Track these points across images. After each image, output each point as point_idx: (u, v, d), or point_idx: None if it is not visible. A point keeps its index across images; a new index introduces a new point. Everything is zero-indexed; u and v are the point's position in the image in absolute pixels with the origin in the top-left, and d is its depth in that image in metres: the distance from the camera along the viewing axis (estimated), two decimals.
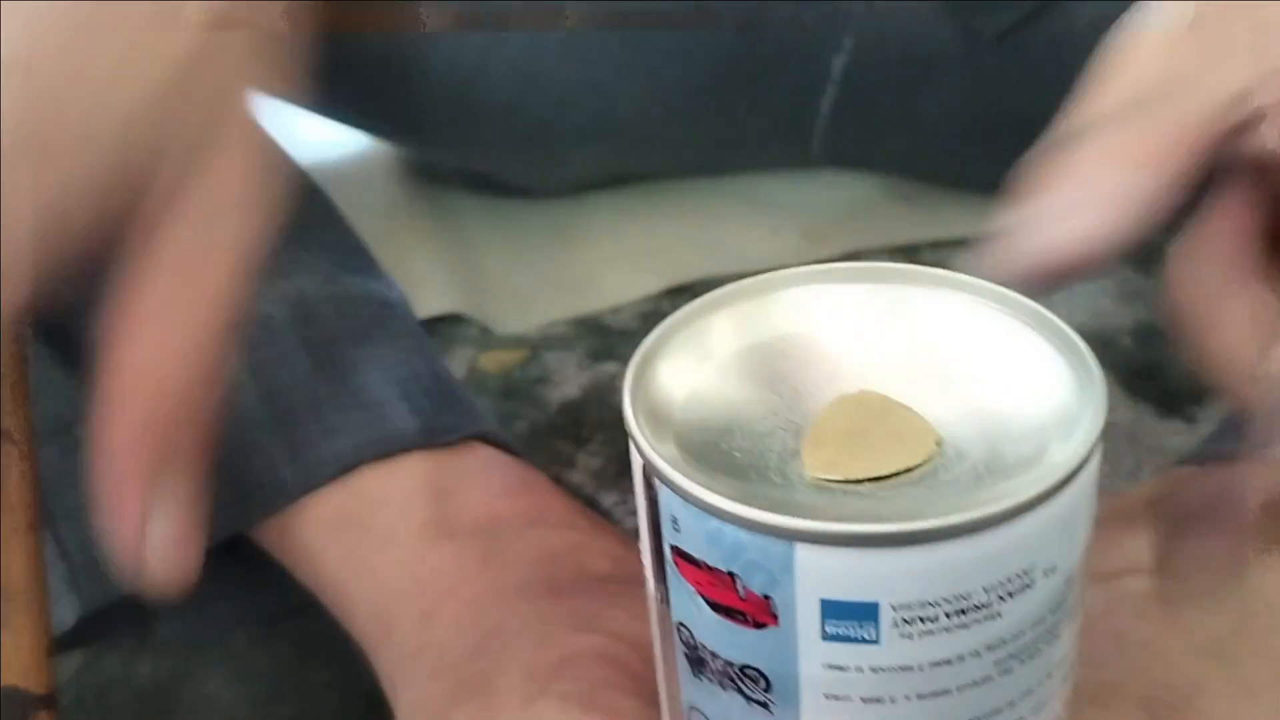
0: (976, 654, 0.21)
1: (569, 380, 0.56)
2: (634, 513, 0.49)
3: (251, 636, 0.44)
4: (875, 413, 0.22)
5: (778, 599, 0.20)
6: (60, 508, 0.37)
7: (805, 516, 0.19)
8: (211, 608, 0.42)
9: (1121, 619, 0.32)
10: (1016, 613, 0.21)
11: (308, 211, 0.45)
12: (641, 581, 0.35)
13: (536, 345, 0.59)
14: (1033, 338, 0.23)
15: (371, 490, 0.37)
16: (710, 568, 0.21)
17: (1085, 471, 0.21)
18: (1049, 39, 0.56)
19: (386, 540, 0.37)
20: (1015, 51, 0.57)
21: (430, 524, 0.36)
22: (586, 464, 0.52)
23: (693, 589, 0.22)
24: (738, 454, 0.22)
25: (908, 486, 0.21)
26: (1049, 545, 0.21)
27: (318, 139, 0.71)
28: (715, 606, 0.21)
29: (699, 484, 0.20)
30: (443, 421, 0.39)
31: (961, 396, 0.22)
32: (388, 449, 0.38)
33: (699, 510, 0.20)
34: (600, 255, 0.63)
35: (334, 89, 0.58)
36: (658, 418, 0.22)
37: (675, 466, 0.21)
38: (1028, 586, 0.21)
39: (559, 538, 0.37)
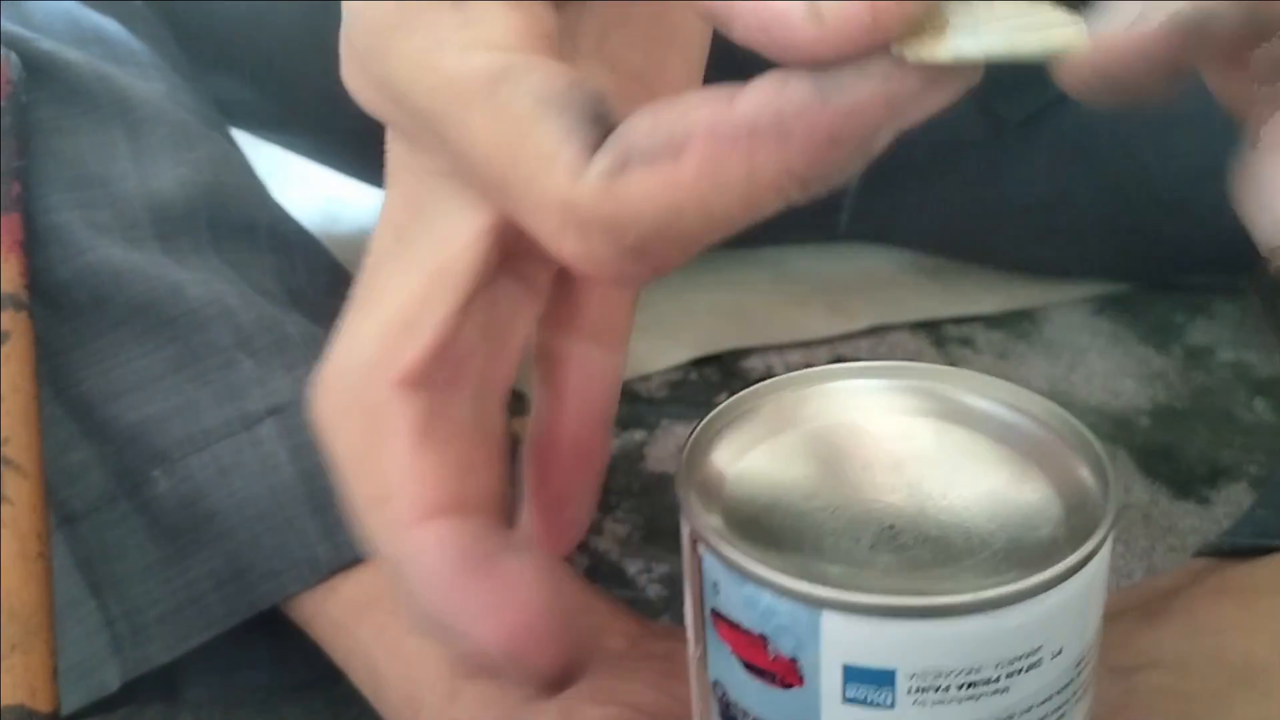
0: None
1: None
2: (657, 580, 0.51)
3: (286, 698, 0.46)
4: None
5: (804, 662, 0.22)
6: (107, 576, 0.39)
7: (833, 586, 0.22)
8: (248, 670, 0.44)
9: (1138, 713, 0.33)
10: (1024, 690, 0.23)
11: (345, 300, 0.47)
12: (655, 656, 0.37)
13: None
14: (1053, 437, 0.25)
15: None
16: (745, 630, 0.23)
17: (1095, 561, 0.23)
18: (1070, 124, 0.57)
19: None
20: (1037, 136, 0.59)
21: None
22: (613, 531, 0.54)
23: (729, 649, 0.24)
24: (778, 528, 0.24)
25: (934, 566, 0.23)
26: (1058, 628, 0.23)
27: (354, 211, 0.73)
28: (748, 667, 0.23)
29: (739, 551, 0.23)
30: None
31: (986, 487, 0.25)
32: None
33: (737, 575, 0.23)
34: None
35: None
36: (707, 491, 0.25)
37: (719, 535, 0.23)
38: (1035, 666, 0.22)
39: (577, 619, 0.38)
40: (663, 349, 0.64)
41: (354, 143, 0.60)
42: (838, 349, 0.64)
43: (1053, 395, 0.60)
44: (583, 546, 0.53)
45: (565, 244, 0.20)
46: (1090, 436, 0.25)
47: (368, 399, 0.23)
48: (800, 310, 0.66)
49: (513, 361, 0.26)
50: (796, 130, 0.19)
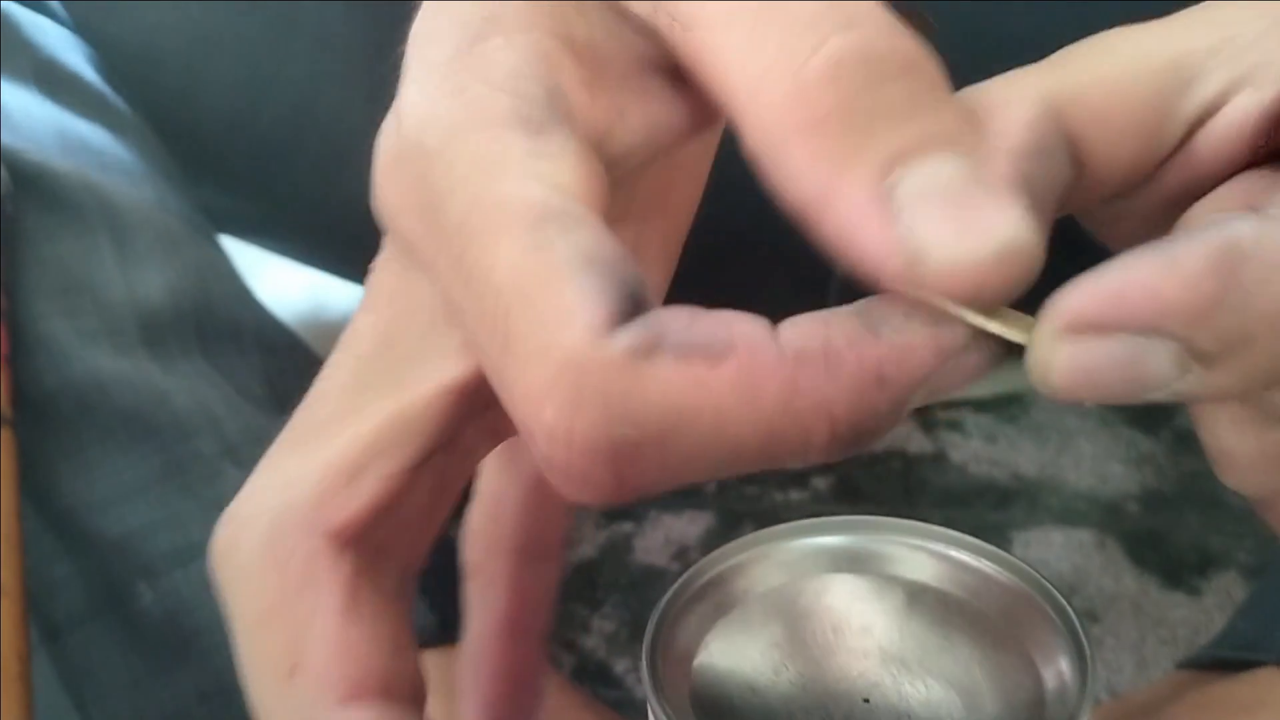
0: None
1: (585, 540, 0.58)
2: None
3: None
4: None
5: None
6: (91, 692, 0.39)
7: None
8: None
9: None
10: None
11: None
12: None
13: None
14: (1028, 605, 0.24)
15: None
16: None
17: None
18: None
19: None
20: None
21: None
22: (600, 628, 0.53)
23: None
24: (748, 711, 0.23)
25: None
26: None
27: (342, 300, 0.73)
28: None
29: None
30: (458, 616, 0.41)
31: (960, 657, 0.24)
32: None
33: None
34: None
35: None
36: (674, 689, 0.24)
37: None
38: None
39: None
40: None
41: (339, 242, 0.61)
42: None
43: (1041, 479, 0.61)
44: (569, 644, 0.52)
45: (545, 409, 0.18)
46: (1061, 598, 0.24)
47: (292, 548, 0.21)
48: None
49: (428, 545, 0.24)
50: (847, 361, 0.18)
